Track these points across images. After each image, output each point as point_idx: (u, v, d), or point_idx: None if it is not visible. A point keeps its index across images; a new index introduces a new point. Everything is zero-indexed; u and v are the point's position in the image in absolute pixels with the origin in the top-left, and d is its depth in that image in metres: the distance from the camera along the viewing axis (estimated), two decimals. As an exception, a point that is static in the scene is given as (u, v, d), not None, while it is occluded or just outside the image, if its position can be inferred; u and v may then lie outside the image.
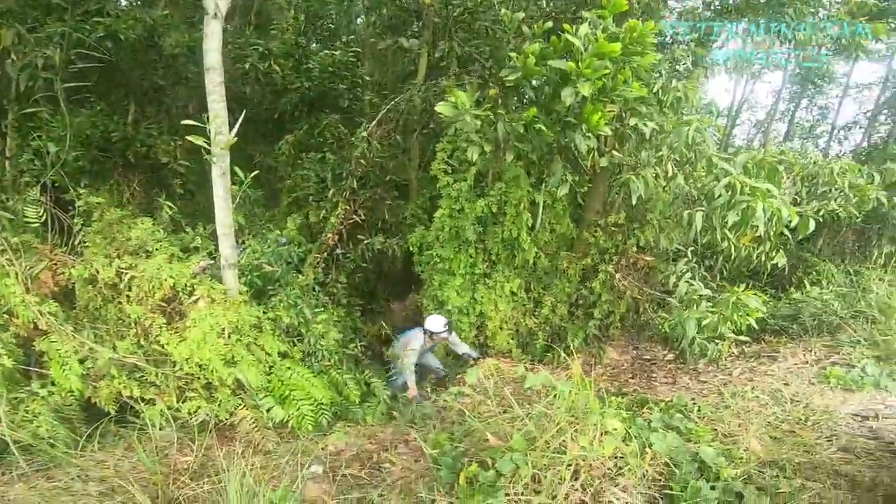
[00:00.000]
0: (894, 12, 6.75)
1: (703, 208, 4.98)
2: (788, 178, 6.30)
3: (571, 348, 5.71)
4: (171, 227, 4.97)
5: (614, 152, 5.31)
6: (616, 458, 2.75)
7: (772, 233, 4.96)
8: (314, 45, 8.77)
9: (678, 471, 2.75)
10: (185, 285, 4.09)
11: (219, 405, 4.01)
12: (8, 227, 4.27)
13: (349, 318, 6.15)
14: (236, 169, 4.36)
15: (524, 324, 6.04)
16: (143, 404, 3.84)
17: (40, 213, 4.43)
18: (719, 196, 4.67)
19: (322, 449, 3.85)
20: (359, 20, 9.88)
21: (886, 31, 6.16)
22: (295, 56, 7.55)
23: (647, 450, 2.86)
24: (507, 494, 2.50)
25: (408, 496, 2.95)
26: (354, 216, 6.27)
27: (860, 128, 12.97)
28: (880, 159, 8.58)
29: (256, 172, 4.80)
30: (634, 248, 5.90)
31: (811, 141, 14.95)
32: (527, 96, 5.88)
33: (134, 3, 7.59)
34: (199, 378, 4.00)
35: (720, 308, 5.01)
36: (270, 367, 4.36)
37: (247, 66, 7.18)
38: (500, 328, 5.93)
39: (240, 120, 4.04)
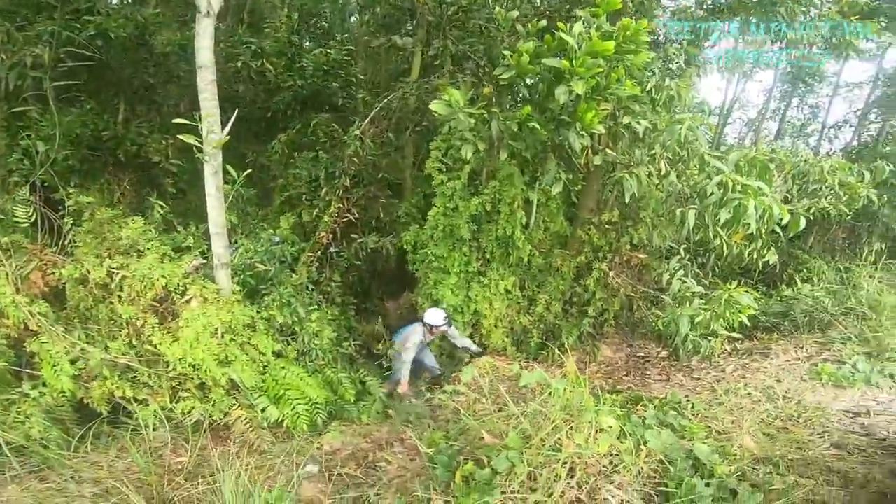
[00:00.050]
0: (885, 11, 6.81)
1: (696, 206, 5.00)
2: (779, 176, 6.34)
3: (566, 346, 5.72)
4: (163, 226, 4.92)
5: (608, 150, 5.32)
6: (611, 455, 2.76)
7: (763, 230, 5.00)
8: (308, 43, 8.72)
9: (673, 468, 2.77)
10: (178, 285, 4.05)
11: (213, 405, 3.98)
12: (-3, 228, 4.23)
13: (343, 316, 6.13)
14: (229, 168, 4.33)
15: (519, 322, 6.05)
16: (136, 405, 3.81)
17: (30, 213, 4.36)
18: (711, 194, 4.69)
19: (317, 448, 3.85)
20: (352, 18, 9.86)
21: (878, 31, 6.21)
22: (288, 54, 7.51)
23: (642, 447, 2.88)
24: (503, 492, 2.50)
25: (404, 495, 2.95)
26: (348, 215, 6.25)
27: (850, 126, 13.08)
28: (870, 157, 8.65)
29: (249, 171, 4.77)
30: (628, 246, 5.92)
31: (802, 139, 15.10)
32: (521, 94, 5.90)
33: (125, 2, 7.52)
34: (192, 378, 3.97)
35: (713, 305, 5.05)
36: (265, 367, 4.34)
37: (239, 64, 7.13)
38: (495, 326, 5.94)
39: (232, 118, 4.01)
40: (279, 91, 7.50)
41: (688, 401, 3.97)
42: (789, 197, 6.56)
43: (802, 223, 5.17)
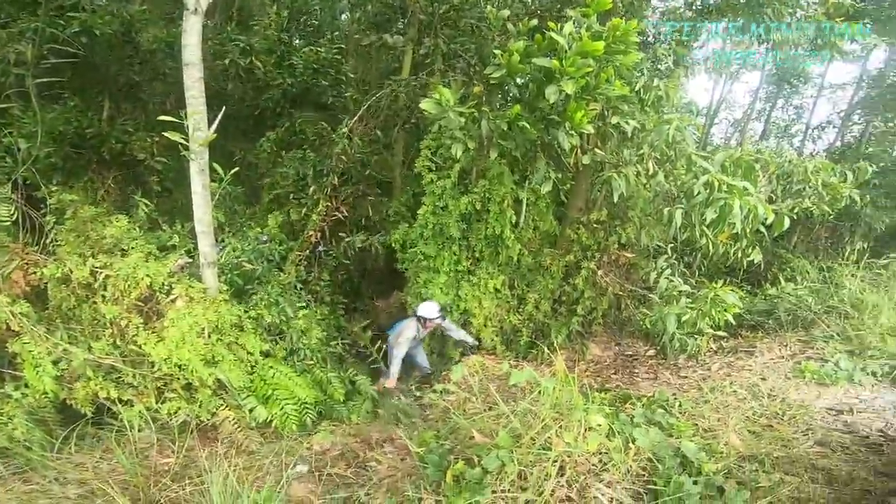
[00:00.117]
0: (870, 13, 6.91)
1: (683, 206, 5.05)
2: (764, 176, 6.41)
3: (555, 345, 5.74)
4: (148, 224, 4.87)
5: (597, 150, 5.35)
6: (600, 453, 2.78)
7: (748, 230, 5.05)
8: (297, 41, 8.66)
9: (661, 466, 2.79)
10: (163, 284, 4.00)
11: (200, 406, 3.95)
12: (-22, 226, 4.14)
13: (333, 316, 6.11)
14: (216, 166, 4.28)
15: (508, 321, 6.06)
16: (120, 406, 3.76)
17: (11, 212, 4.28)
18: (698, 194, 4.74)
19: (307, 448, 3.83)
20: (343, 16, 9.80)
21: (863, 33, 6.30)
22: (277, 52, 7.46)
23: (631, 445, 2.90)
24: (493, 491, 2.51)
25: (394, 494, 2.94)
26: (337, 213, 6.22)
27: (834, 127, 13.31)
28: (853, 158, 8.82)
29: (237, 169, 4.73)
30: (616, 245, 5.95)
31: (786, 140, 15.30)
32: (511, 94, 5.91)
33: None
34: (178, 378, 3.93)
35: (699, 304, 5.10)
36: (253, 367, 4.30)
37: (227, 61, 7.07)
38: (485, 325, 5.94)
39: (219, 116, 3.96)
40: (268, 89, 7.45)
41: (675, 399, 4.01)
42: (774, 197, 6.63)
43: (786, 223, 5.23)
